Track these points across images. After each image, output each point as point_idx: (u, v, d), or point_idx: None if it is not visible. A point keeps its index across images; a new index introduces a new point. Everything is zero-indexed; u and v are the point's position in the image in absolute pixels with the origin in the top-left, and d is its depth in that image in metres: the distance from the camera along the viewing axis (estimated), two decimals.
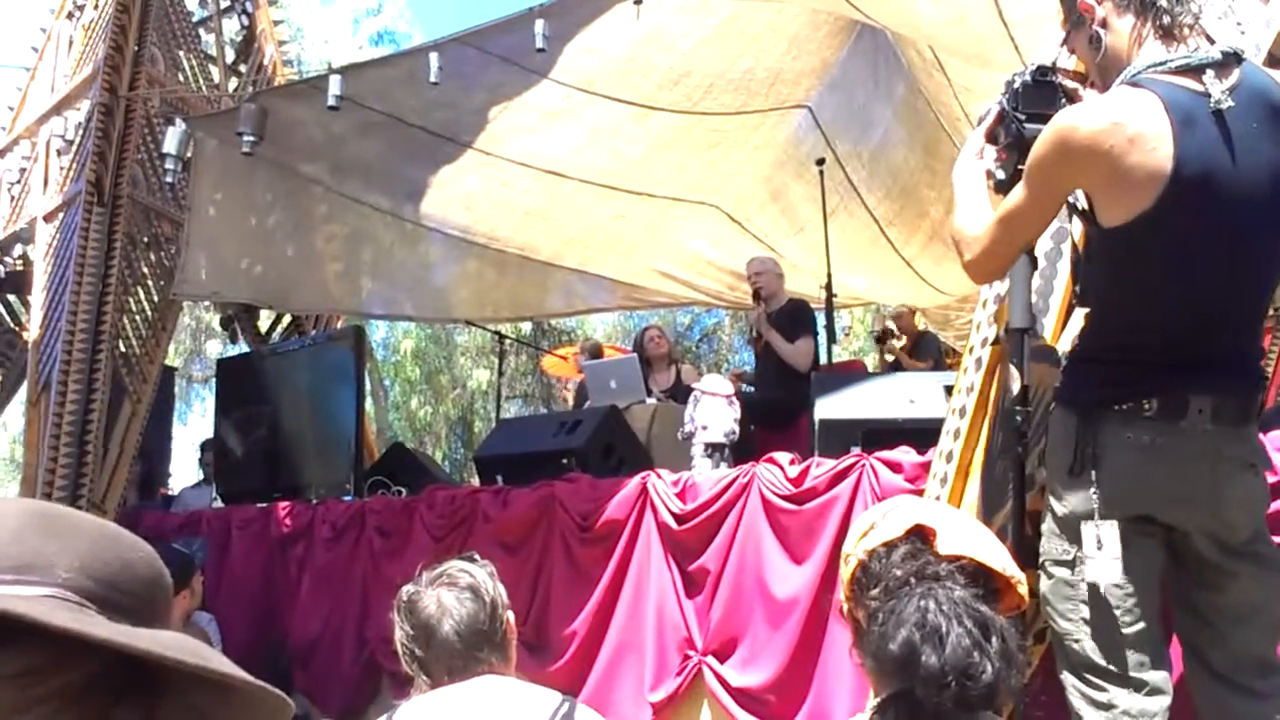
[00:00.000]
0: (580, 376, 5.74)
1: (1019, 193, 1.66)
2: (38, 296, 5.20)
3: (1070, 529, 1.69)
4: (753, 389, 5.12)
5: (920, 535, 1.25)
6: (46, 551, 0.61)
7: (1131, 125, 1.50)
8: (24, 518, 0.63)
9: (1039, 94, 1.75)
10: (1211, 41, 1.61)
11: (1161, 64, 1.57)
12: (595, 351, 7.01)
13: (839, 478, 2.77)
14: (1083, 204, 1.68)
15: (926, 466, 2.46)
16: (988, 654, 1.10)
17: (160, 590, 0.68)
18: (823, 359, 5.18)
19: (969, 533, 1.27)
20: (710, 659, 2.95)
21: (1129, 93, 1.55)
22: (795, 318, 4.92)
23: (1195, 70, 1.55)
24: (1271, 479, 1.79)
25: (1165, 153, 1.49)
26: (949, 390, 2.59)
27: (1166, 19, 1.60)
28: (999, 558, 1.25)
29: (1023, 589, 1.25)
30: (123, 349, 5.14)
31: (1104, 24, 1.67)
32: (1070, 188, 1.67)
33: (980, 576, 1.21)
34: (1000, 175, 1.76)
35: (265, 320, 6.77)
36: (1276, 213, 1.57)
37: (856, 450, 2.87)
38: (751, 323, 5.07)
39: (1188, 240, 1.55)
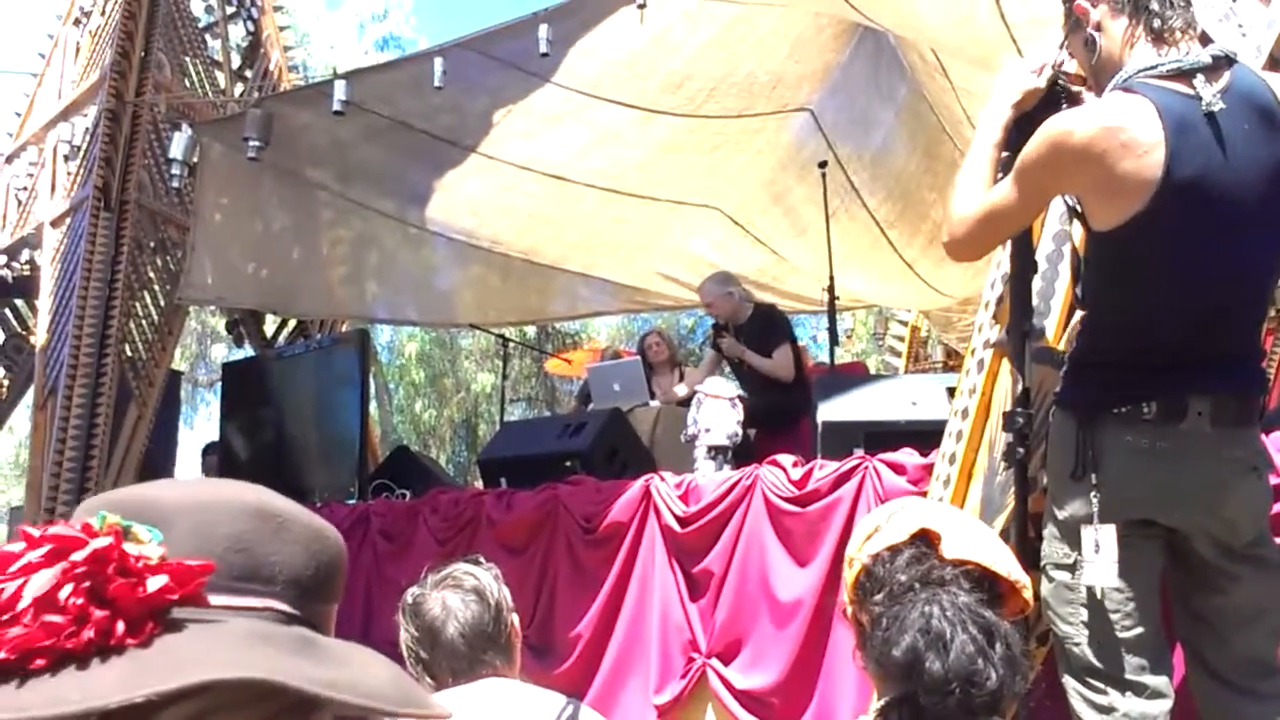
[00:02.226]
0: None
1: (1007, 189, 1.67)
2: (45, 301, 5.22)
3: (1070, 533, 1.69)
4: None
5: (925, 539, 1.24)
6: (269, 560, 0.63)
7: (1125, 131, 1.51)
8: (245, 519, 0.64)
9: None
10: (1205, 44, 1.62)
11: (1152, 68, 1.58)
12: (615, 357, 7.02)
13: (842, 480, 2.77)
14: (1078, 207, 1.69)
15: (929, 468, 2.46)
16: (992, 661, 1.09)
17: (342, 571, 0.71)
18: (824, 360, 5.13)
19: (974, 537, 1.27)
20: (714, 661, 2.96)
21: (1123, 98, 1.56)
22: (767, 327, 4.60)
23: (1186, 74, 1.56)
24: (1275, 481, 1.79)
25: (1157, 158, 1.50)
26: (951, 392, 2.60)
27: (1157, 22, 1.61)
28: (1004, 562, 1.24)
29: (1027, 593, 1.25)
30: (129, 353, 5.15)
31: (1098, 27, 1.68)
32: (1060, 190, 1.68)
33: (985, 581, 1.21)
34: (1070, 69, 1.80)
35: (271, 324, 6.77)
36: (1271, 213, 1.57)
37: (859, 452, 2.87)
38: (729, 356, 4.71)
39: (1181, 243, 1.56)
